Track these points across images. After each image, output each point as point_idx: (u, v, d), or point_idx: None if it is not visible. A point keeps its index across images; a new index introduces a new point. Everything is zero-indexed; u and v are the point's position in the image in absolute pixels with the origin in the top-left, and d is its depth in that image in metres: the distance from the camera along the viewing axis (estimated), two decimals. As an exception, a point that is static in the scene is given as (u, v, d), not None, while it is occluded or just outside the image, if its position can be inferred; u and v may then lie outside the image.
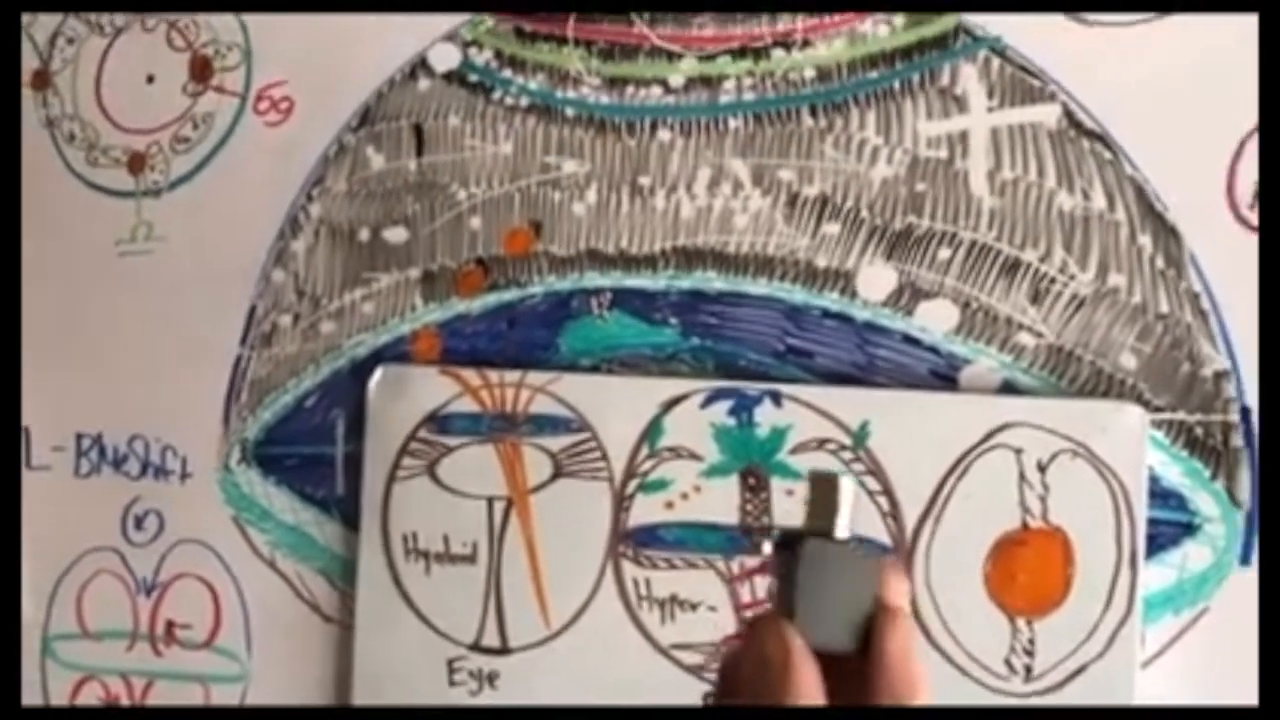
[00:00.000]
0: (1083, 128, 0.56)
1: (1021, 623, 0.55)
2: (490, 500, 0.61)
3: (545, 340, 0.62)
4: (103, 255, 0.68)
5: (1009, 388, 0.57)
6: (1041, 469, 0.55)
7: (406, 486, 0.62)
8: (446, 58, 0.64)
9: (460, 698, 0.61)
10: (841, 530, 0.34)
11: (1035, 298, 0.57)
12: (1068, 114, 0.56)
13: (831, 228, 0.59)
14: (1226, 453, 0.54)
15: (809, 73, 0.59)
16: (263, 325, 0.66)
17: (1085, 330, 0.56)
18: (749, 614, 0.36)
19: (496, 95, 0.63)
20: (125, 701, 0.67)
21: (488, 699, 0.61)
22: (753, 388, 0.59)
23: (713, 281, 0.60)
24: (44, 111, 0.70)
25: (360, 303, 0.65)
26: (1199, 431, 0.55)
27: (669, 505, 0.59)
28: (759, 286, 0.60)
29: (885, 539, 0.57)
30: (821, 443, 0.58)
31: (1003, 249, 0.57)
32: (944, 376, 0.58)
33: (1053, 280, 0.56)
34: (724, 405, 0.59)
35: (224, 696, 0.66)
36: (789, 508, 0.58)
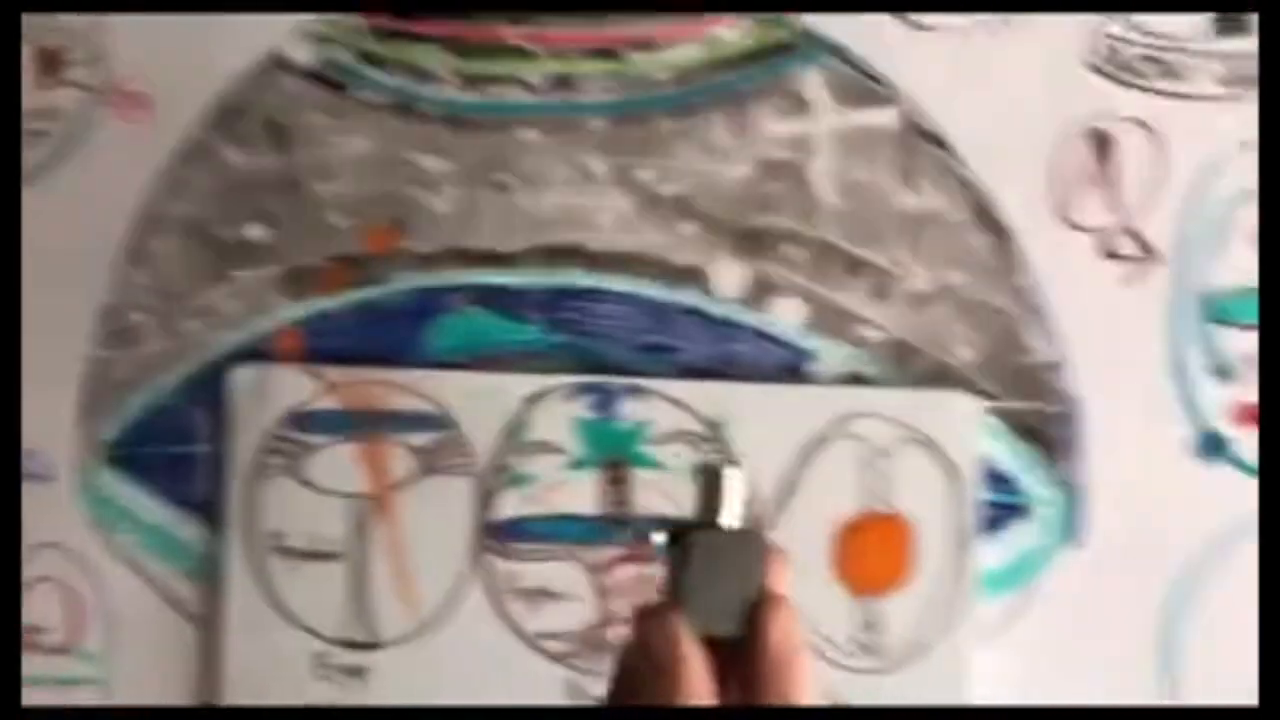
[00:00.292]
0: (920, 130, 0.59)
1: (866, 602, 0.58)
2: (355, 497, 0.62)
3: (408, 337, 0.63)
4: (-50, 254, 0.66)
5: (855, 379, 0.60)
6: (884, 456, 0.58)
7: (270, 485, 0.62)
8: (305, 55, 0.64)
9: (329, 693, 0.62)
10: (727, 520, 0.36)
11: (878, 294, 0.60)
12: (906, 117, 0.59)
13: (688, 227, 0.61)
14: (1054, 438, 0.58)
15: (664, 75, 0.61)
16: (121, 324, 0.65)
17: (924, 325, 0.59)
18: (635, 604, 0.37)
19: (356, 92, 0.63)
20: (-18, 710, 0.65)
21: (357, 694, 0.61)
22: (614, 382, 0.60)
23: (575, 278, 0.62)
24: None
25: (221, 301, 0.64)
26: (1029, 419, 0.58)
27: (533, 499, 0.61)
28: (620, 283, 0.62)
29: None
30: (681, 434, 0.60)
31: (847, 247, 0.60)
32: (795, 369, 0.60)
33: (893, 277, 0.59)
34: (587, 400, 0.61)
35: (87, 700, 0.65)
36: (651, 498, 0.60)
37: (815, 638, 0.58)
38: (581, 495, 0.61)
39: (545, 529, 0.61)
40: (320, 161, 0.63)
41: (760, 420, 0.59)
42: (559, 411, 0.61)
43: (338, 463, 0.62)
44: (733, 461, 0.37)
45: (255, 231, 0.64)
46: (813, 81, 0.60)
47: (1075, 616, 0.58)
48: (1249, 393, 0.57)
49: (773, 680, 0.34)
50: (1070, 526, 0.58)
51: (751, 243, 0.60)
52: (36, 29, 0.66)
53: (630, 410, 0.60)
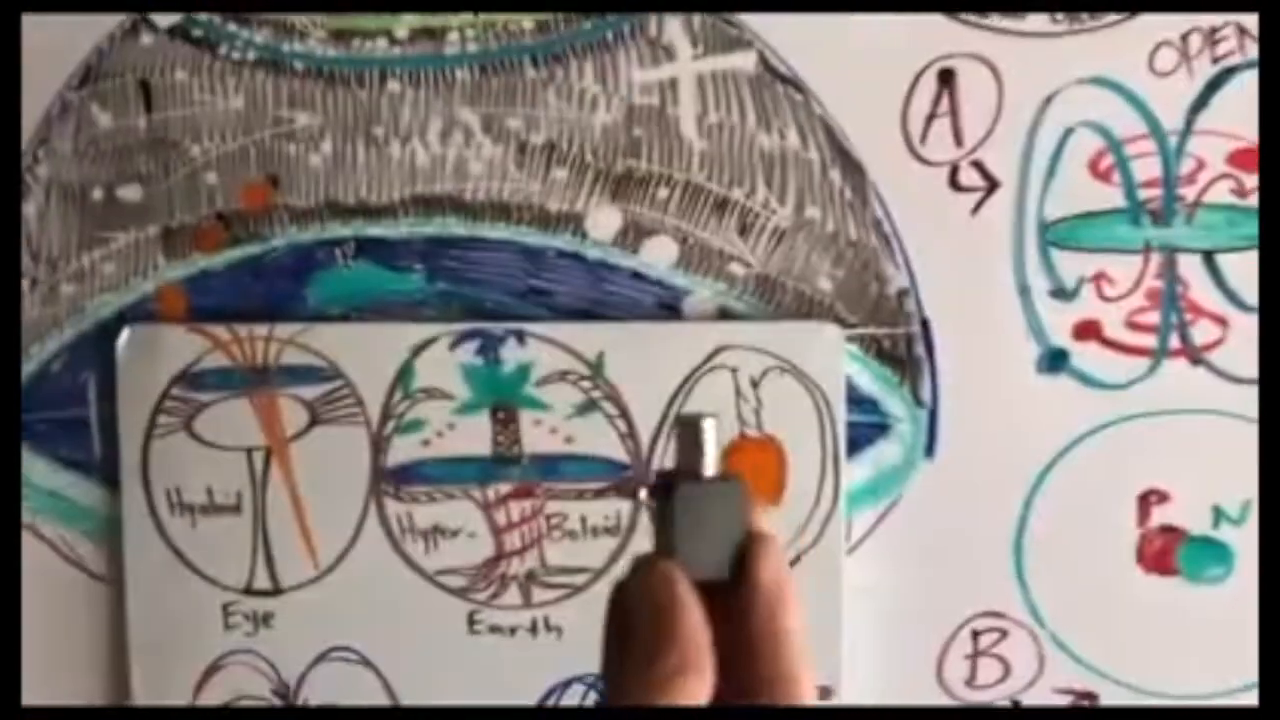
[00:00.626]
0: (778, 73, 0.61)
1: (743, 524, 0.62)
2: (250, 451, 0.63)
3: (291, 292, 0.64)
4: None
5: (724, 314, 0.63)
6: (754, 385, 0.62)
7: (165, 443, 0.64)
8: (168, 13, 0.63)
9: (236, 640, 0.64)
10: (709, 468, 0.37)
11: (743, 231, 0.62)
12: (764, 61, 0.61)
13: (560, 173, 0.62)
14: (910, 360, 0.62)
15: (527, 24, 0.62)
16: (-1, 291, 0.65)
17: (787, 259, 0.62)
18: (636, 554, 0.38)
19: (223, 50, 0.63)
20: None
21: (264, 638, 0.64)
22: (497, 328, 0.63)
23: (453, 227, 0.63)
24: None
25: (99, 263, 0.64)
26: (886, 343, 0.62)
27: (425, 443, 0.63)
28: (497, 231, 0.63)
29: (625, 458, 0.62)
30: (564, 374, 0.63)
31: (713, 188, 0.62)
32: (668, 307, 0.63)
33: (757, 215, 0.62)
34: (471, 346, 0.63)
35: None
36: (540, 437, 0.63)
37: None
38: (472, 438, 0.63)
39: (438, 471, 0.63)
40: (191, 120, 0.63)
41: (637, 358, 0.62)
42: (445, 359, 0.63)
43: (230, 418, 0.63)
44: (709, 413, 0.37)
45: (130, 193, 0.64)
46: (673, 28, 0.61)
47: (935, 525, 0.63)
48: (1087, 310, 0.62)
49: (767, 615, 0.35)
50: (926, 440, 0.63)
51: (622, 186, 0.62)
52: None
53: (514, 354, 0.62)
